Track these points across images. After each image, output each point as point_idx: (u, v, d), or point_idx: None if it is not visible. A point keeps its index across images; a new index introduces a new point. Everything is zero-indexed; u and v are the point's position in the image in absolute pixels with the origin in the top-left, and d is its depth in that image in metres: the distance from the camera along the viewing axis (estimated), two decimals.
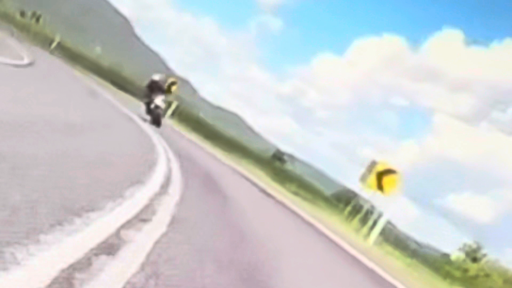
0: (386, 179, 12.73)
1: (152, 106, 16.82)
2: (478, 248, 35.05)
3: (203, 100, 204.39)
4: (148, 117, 16.62)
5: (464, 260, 33.50)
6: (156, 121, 16.44)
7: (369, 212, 14.44)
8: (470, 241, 38.16)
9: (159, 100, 16.76)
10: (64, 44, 44.40)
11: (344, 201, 26.69)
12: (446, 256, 40.80)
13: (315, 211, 15.80)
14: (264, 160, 40.30)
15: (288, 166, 62.01)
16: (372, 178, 12.77)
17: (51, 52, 35.80)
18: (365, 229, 12.91)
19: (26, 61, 13.61)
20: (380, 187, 12.86)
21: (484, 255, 34.60)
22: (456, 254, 34.92)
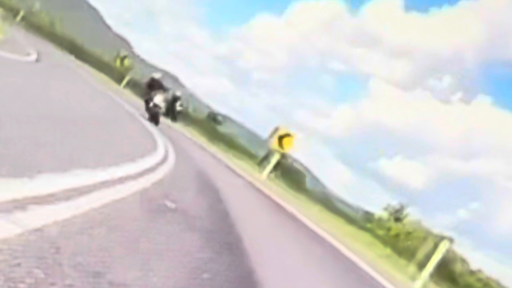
0: (285, 140, 18.44)
1: (151, 104, 17.00)
2: (401, 209, 37.43)
3: (140, 59, 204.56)
4: (146, 115, 16.94)
5: (388, 219, 35.88)
6: (154, 118, 16.58)
7: (269, 159, 20.15)
8: (394, 202, 39.02)
9: (158, 99, 16.94)
10: None
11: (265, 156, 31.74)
12: (369, 214, 43.83)
13: (239, 162, 21.60)
14: (199, 120, 44.87)
15: (223, 127, 65.64)
16: (275, 140, 18.49)
17: None
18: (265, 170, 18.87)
19: None
20: (280, 146, 18.58)
21: (407, 215, 37.32)
22: (380, 213, 37.34)
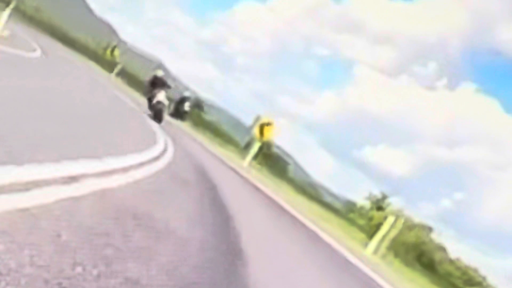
0: (265, 129, 19.80)
1: (154, 101, 17.03)
2: (383, 198, 39.19)
3: (124, 44, 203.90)
4: (150, 112, 16.99)
5: (370, 208, 37.42)
6: (157, 116, 16.57)
7: (251, 146, 21.50)
8: (377, 191, 40.83)
9: (161, 96, 17.00)
10: None
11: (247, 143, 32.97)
12: (351, 203, 43.90)
13: (222, 149, 22.96)
14: None
15: (206, 113, 66.76)
16: (256, 128, 19.85)
17: None
18: (248, 157, 20.26)
19: None
20: (261, 134, 19.94)
21: (389, 204, 38.87)
22: (362, 202, 39.03)
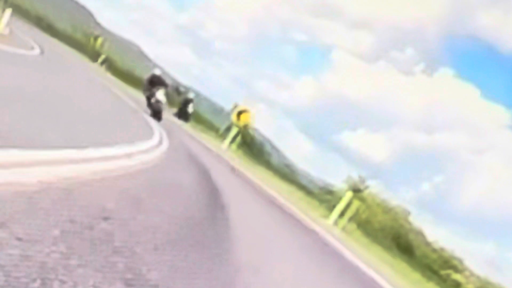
0: (242, 115, 22.21)
1: (153, 100, 17.36)
2: (362, 181, 42.59)
3: (101, 28, 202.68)
4: (149, 110, 17.26)
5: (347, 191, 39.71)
6: (156, 114, 16.78)
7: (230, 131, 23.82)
8: (355, 174, 43.17)
9: (160, 94, 17.34)
10: None
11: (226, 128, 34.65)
12: (329, 186, 45.73)
13: (203, 134, 25.26)
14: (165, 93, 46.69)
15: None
16: (234, 115, 22.29)
17: None
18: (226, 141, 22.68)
19: None
20: (239, 120, 22.35)
21: (367, 187, 42.20)
22: (340, 186, 41.59)
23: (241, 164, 18.63)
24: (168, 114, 23.84)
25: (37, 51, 17.88)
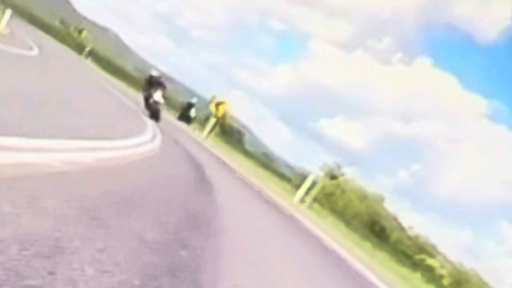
0: (220, 106, 24.14)
1: (151, 101, 17.52)
2: (337, 168, 39.42)
3: (79, 15, 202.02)
4: (147, 112, 17.35)
5: (324, 177, 36.22)
6: (154, 115, 16.91)
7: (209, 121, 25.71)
8: (330, 161, 42.17)
9: (157, 95, 17.53)
10: None
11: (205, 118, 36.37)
12: (306, 172, 46.45)
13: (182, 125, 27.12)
14: (140, 79, 47.47)
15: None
16: (212, 106, 24.20)
17: None
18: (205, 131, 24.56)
19: None
20: (217, 111, 24.26)
21: (342, 174, 39.41)
22: (316, 172, 36.98)
23: (221, 152, 20.50)
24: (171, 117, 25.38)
25: (35, 51, 18.99)
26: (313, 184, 18.33)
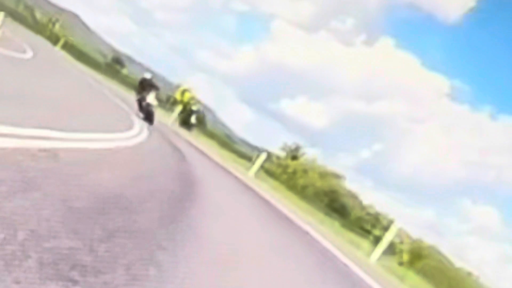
0: (185, 94, 27.25)
1: (144, 103, 17.76)
2: (298, 148, 41.15)
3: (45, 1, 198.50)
4: (140, 114, 17.61)
5: (285, 158, 39.50)
6: (148, 118, 17.15)
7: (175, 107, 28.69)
8: (291, 142, 42.88)
9: (150, 98, 17.77)
10: None
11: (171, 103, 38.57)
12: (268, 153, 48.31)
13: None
14: (105, 64, 48.36)
15: (126, 69, 69.36)
16: (178, 93, 27.31)
17: None
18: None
19: None
20: (182, 97, 27.34)
21: (303, 154, 40.92)
22: (277, 153, 40.82)
23: (186, 134, 23.56)
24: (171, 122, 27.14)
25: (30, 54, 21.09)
26: (267, 158, 21.67)
